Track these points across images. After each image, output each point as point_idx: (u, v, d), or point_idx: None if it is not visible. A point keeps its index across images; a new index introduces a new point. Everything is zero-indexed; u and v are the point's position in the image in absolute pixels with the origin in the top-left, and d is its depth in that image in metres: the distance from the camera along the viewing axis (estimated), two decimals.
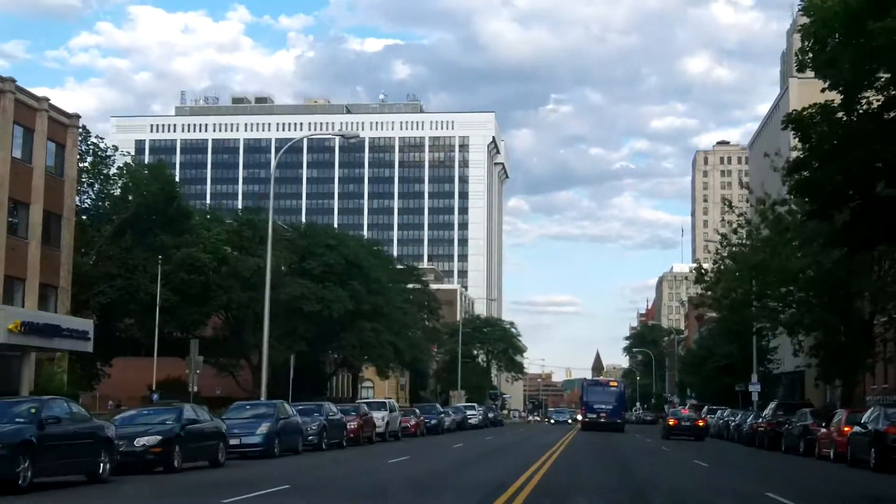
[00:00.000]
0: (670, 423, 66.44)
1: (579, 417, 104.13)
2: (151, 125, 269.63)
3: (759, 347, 79.71)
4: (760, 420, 54.13)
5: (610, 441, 57.80)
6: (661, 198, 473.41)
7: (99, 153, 71.90)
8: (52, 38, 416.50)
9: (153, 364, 73.49)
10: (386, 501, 21.99)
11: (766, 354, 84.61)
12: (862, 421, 35.50)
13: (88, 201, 73.84)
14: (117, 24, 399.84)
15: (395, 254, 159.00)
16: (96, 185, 73.07)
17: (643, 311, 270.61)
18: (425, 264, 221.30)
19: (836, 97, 31.13)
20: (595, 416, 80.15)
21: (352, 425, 48.54)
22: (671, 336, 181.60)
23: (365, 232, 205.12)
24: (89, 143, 70.93)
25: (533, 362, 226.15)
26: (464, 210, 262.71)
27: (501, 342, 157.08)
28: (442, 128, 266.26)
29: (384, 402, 61.16)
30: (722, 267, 55.47)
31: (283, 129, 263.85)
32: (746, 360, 79.68)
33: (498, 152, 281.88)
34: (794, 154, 48.53)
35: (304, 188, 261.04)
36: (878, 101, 30.19)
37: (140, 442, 27.56)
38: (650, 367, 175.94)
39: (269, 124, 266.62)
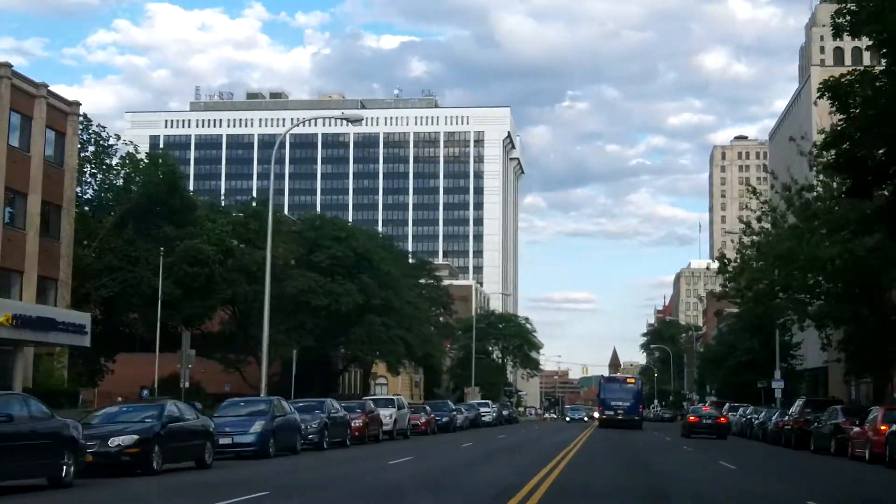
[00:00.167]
0: (691, 420, 63.85)
1: (596, 415, 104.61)
2: (166, 121, 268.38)
3: (782, 343, 77.47)
4: (787, 418, 51.42)
5: (627, 439, 55.50)
6: (677, 194, 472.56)
7: (101, 142, 69.63)
8: (69, 35, 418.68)
9: (160, 358, 71.86)
10: None
11: (788, 350, 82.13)
12: None
13: (91, 192, 71.64)
14: (135, 22, 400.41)
15: (409, 250, 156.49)
16: (99, 176, 70.89)
17: (660, 308, 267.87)
18: (440, 260, 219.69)
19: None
20: (612, 413, 79.40)
21: (356, 423, 46.23)
22: (689, 332, 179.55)
23: (380, 228, 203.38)
24: (91, 131, 68.66)
25: (549, 359, 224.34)
26: (479, 205, 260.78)
27: (516, 338, 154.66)
28: (457, 123, 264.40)
29: (392, 399, 58.78)
30: (745, 256, 52.76)
31: (298, 125, 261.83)
32: (769, 355, 77.39)
33: (513, 147, 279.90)
34: (821, 137, 46.49)
35: (319, 184, 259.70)
36: None
37: (115, 442, 25.28)
38: (668, 364, 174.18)
39: (284, 119, 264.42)
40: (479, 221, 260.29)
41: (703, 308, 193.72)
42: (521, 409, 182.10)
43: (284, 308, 74.98)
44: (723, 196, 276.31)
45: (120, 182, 70.87)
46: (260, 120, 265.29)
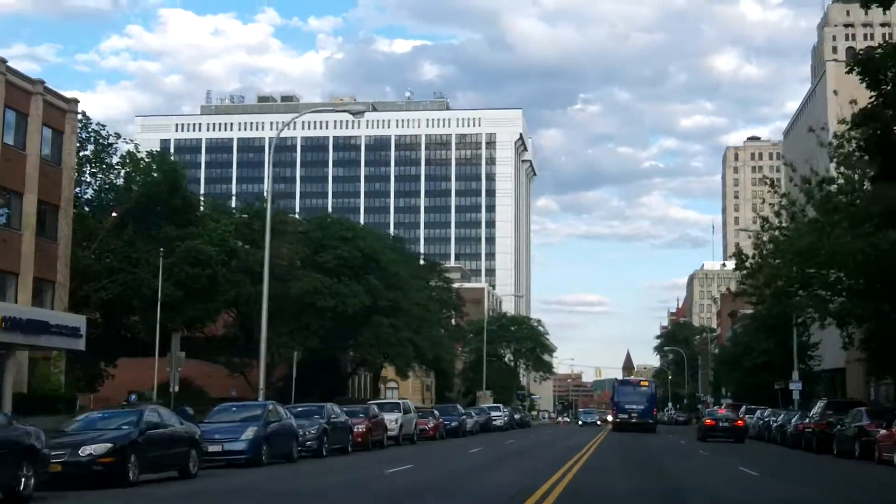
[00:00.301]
0: (707, 423, 61.86)
1: (609, 418, 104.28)
2: (177, 124, 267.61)
3: (800, 343, 75.62)
4: (807, 420, 49.41)
5: (642, 443, 53.67)
6: (690, 196, 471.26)
7: (101, 141, 67.95)
8: (82, 41, 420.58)
9: (162, 362, 69.96)
10: None
11: (806, 351, 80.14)
12: None
13: (91, 192, 69.98)
14: (147, 27, 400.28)
15: (421, 252, 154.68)
16: (99, 175, 69.25)
17: (674, 310, 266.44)
18: (452, 263, 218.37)
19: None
20: (626, 416, 78.92)
21: (359, 428, 44.36)
22: (703, 335, 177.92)
23: (391, 231, 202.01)
24: (90, 130, 66.99)
25: (562, 362, 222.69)
26: (491, 208, 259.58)
27: (529, 340, 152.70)
28: (469, 125, 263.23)
29: (398, 403, 56.90)
30: (764, 252, 50.70)
31: (309, 128, 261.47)
32: (786, 356, 75.55)
33: (525, 149, 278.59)
34: (843, 127, 44.62)
35: (330, 187, 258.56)
36: None
37: (86, 451, 23.35)
38: (682, 367, 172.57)
39: (295, 123, 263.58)
40: (491, 224, 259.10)
41: (717, 309, 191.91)
42: (535, 412, 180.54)
43: (289, 310, 73.33)
44: (736, 197, 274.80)
45: (120, 182, 69.24)
46: (271, 123, 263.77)
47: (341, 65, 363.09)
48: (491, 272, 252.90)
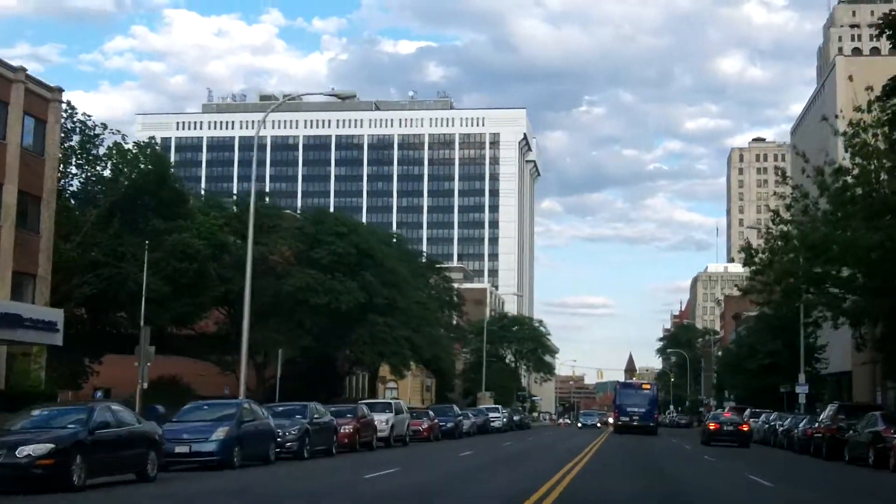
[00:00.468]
0: (711, 427, 59.53)
1: (610, 420, 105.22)
2: (178, 123, 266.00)
3: (806, 345, 73.45)
4: (817, 425, 47.07)
5: (644, 447, 51.43)
6: (694, 199, 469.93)
7: (87, 131, 65.69)
8: (86, 41, 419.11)
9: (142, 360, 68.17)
10: None
11: (813, 353, 77.94)
12: None
13: (77, 184, 67.77)
14: (152, 28, 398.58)
15: (424, 252, 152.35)
16: (86, 167, 67.04)
17: (677, 313, 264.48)
18: (455, 263, 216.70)
19: None
20: (628, 419, 78.79)
21: (346, 429, 42.11)
22: (706, 337, 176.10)
23: (394, 231, 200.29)
24: (75, 120, 64.71)
25: (564, 363, 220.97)
26: (494, 208, 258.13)
27: (530, 341, 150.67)
28: (472, 124, 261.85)
29: (389, 403, 54.68)
30: (775, 247, 48.31)
31: (311, 127, 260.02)
32: (793, 358, 73.36)
33: (529, 149, 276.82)
34: (857, 115, 42.51)
35: (333, 186, 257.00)
36: None
37: (24, 452, 21.09)
38: (684, 369, 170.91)
39: (297, 121, 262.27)
40: (494, 224, 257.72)
41: (720, 312, 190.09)
42: (536, 414, 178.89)
43: (283, 307, 71.28)
44: (741, 199, 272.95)
45: (107, 173, 67.04)
46: (273, 122, 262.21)
47: (345, 66, 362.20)
48: (494, 273, 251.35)
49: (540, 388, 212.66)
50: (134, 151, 66.64)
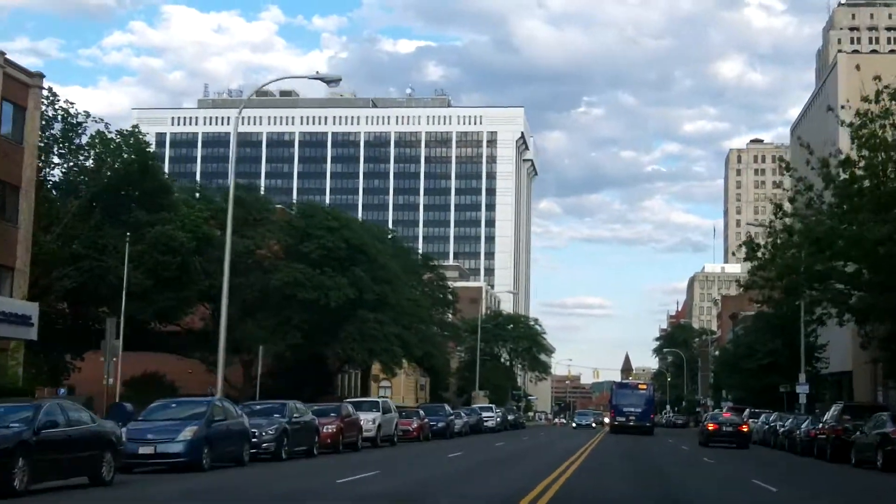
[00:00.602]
0: (710, 427, 57.52)
1: (606, 420, 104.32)
2: (173, 118, 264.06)
3: (806, 344, 71.70)
4: (821, 426, 45.09)
5: (640, 448, 49.57)
6: (692, 201, 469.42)
7: (69, 120, 63.59)
8: (85, 36, 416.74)
9: (131, 358, 65.54)
10: None
11: (813, 352, 76.10)
12: None
13: (59, 174, 65.74)
14: (151, 24, 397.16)
15: (420, 251, 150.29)
16: (69, 157, 65.00)
17: (673, 314, 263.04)
18: (451, 262, 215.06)
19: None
20: (624, 419, 78.88)
21: (328, 429, 40.17)
22: (703, 337, 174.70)
23: (389, 226, 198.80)
24: (57, 107, 62.57)
25: (560, 362, 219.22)
26: (491, 207, 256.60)
27: (525, 340, 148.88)
28: (470, 123, 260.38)
29: (376, 402, 52.62)
30: (777, 241, 46.35)
31: (308, 123, 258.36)
32: (793, 357, 71.64)
33: (527, 148, 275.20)
34: (865, 105, 40.73)
35: (329, 183, 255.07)
36: None
37: None
38: (681, 369, 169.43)
39: (293, 118, 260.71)
40: (490, 223, 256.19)
41: (717, 312, 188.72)
42: (531, 413, 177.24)
43: (269, 302, 69.45)
44: (738, 200, 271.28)
45: (90, 163, 65.00)
46: (269, 118, 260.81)
47: (345, 64, 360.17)
48: (490, 271, 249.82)
49: (536, 387, 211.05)
50: (117, 141, 64.62)
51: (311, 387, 72.70)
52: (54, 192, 63.84)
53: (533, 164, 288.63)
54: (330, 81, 40.56)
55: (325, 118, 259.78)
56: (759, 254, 47.38)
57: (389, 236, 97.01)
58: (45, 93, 58.27)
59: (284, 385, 71.74)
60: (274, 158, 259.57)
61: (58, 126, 62.36)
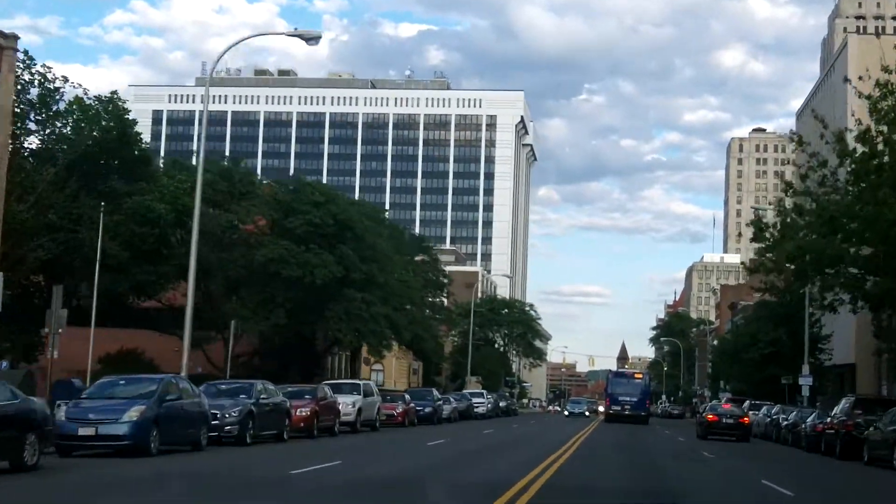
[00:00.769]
0: (709, 419, 54.55)
1: (601, 409, 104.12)
2: (170, 95, 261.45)
3: (811, 335, 69.14)
4: (829, 420, 42.23)
5: (635, 440, 46.79)
6: (691, 191, 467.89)
7: (46, 84, 60.68)
8: (86, 14, 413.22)
9: (108, 333, 62.92)
10: None
11: (816, 343, 73.45)
12: None
13: (37, 142, 62.86)
14: (152, 3, 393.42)
15: (417, 233, 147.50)
16: (48, 124, 62.14)
17: (671, 303, 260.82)
18: (448, 246, 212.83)
19: None
20: (619, 408, 78.37)
21: (302, 412, 37.39)
22: (701, 326, 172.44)
23: (387, 211, 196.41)
24: (34, 72, 59.66)
25: (555, 349, 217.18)
26: (489, 191, 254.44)
27: (519, 325, 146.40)
28: (469, 106, 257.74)
29: (357, 385, 49.85)
30: (788, 220, 43.37)
31: (305, 103, 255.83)
32: (796, 348, 69.20)
33: (526, 133, 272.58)
34: (884, 75, 38.06)
35: (325, 165, 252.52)
36: None
37: None
38: (678, 359, 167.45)
39: (291, 97, 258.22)
40: (489, 207, 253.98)
41: (715, 301, 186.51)
42: (526, 400, 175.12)
43: (253, 279, 66.69)
44: (739, 189, 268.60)
45: (67, 131, 62.15)
46: (267, 97, 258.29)
47: (346, 47, 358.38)
48: (487, 257, 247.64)
49: (532, 375, 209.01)
50: (95, 107, 61.77)
51: (299, 369, 70.12)
52: (31, 160, 61.09)
53: (532, 150, 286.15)
54: (309, 39, 37.83)
55: (324, 98, 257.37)
56: (767, 234, 44.42)
57: (382, 214, 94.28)
58: (20, 56, 55.55)
59: (271, 366, 69.32)
60: (271, 138, 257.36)
61: (34, 91, 59.67)
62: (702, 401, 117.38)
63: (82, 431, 24.33)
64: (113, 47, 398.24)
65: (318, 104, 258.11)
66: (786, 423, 52.89)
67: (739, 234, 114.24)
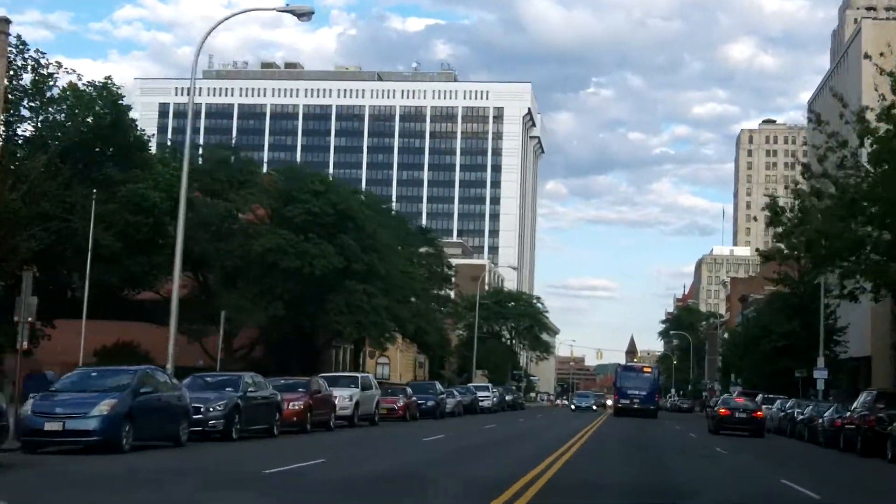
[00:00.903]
0: (721, 413, 52.61)
1: (609, 402, 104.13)
2: (176, 88, 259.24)
3: (826, 327, 67.28)
4: (849, 415, 40.26)
5: (645, 436, 44.91)
6: (700, 184, 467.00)
7: (40, 70, 58.92)
8: (95, 9, 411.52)
9: (103, 326, 62.71)
10: None
11: (832, 335, 71.52)
12: None
13: (30, 129, 61.14)
14: None
15: (421, 223, 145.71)
16: (41, 111, 60.39)
17: (680, 297, 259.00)
18: (455, 238, 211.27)
19: None
20: (628, 401, 78.16)
21: (294, 406, 35.53)
22: (711, 320, 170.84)
23: (393, 204, 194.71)
24: (27, 57, 57.91)
25: (563, 343, 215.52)
26: (496, 184, 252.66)
27: (526, 318, 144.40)
28: (476, 98, 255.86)
29: (355, 378, 47.89)
30: (806, 204, 41.28)
31: (312, 96, 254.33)
32: (811, 340, 67.33)
33: (534, 125, 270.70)
34: None
35: (332, 157, 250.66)
36: None
37: None
38: (687, 353, 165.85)
39: (298, 90, 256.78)
40: (496, 200, 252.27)
41: (725, 294, 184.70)
42: (533, 394, 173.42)
43: (251, 270, 64.96)
44: (748, 181, 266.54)
45: (62, 117, 60.42)
46: (273, 90, 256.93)
47: (354, 41, 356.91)
48: (494, 249, 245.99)
49: (541, 368, 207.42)
50: (90, 93, 60.02)
51: (300, 362, 68.39)
52: (25, 147, 59.43)
53: (540, 142, 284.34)
54: (301, 15, 36.19)
55: (330, 91, 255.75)
56: (784, 218, 42.37)
57: (386, 206, 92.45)
58: (13, 41, 53.98)
59: (271, 360, 67.62)
60: (277, 131, 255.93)
61: (27, 77, 57.96)
62: (711, 395, 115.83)
63: (49, 426, 22.62)
64: (122, 42, 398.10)
65: (324, 97, 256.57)
66: (801, 417, 51.00)
67: (755, 219, 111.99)
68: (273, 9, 37.51)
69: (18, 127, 59.17)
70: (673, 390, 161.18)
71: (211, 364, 63.20)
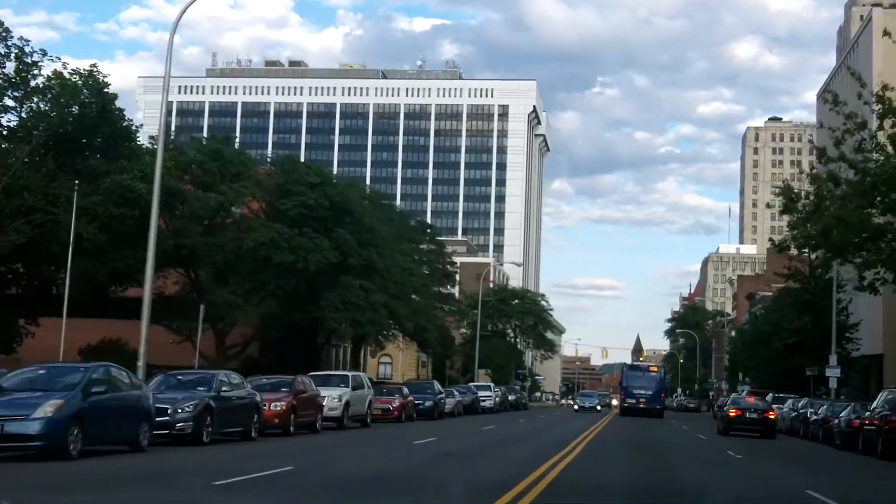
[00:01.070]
0: (731, 413, 50.22)
1: (615, 402, 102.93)
2: (180, 86, 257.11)
3: (838, 324, 65.04)
4: (868, 415, 37.90)
5: (651, 439, 42.65)
6: (705, 183, 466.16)
7: (24, 58, 56.67)
8: (102, 10, 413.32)
9: (89, 324, 61.18)
10: None
11: (844, 332, 69.21)
12: None
13: (15, 119, 58.95)
14: None
15: (422, 219, 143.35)
16: (25, 101, 58.20)
17: (686, 296, 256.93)
18: (460, 237, 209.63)
19: None
20: (634, 401, 78.09)
21: (275, 407, 33.16)
22: (717, 318, 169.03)
23: (398, 202, 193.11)
24: (10, 44, 55.70)
25: (568, 342, 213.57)
26: (501, 182, 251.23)
27: (530, 316, 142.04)
28: (481, 95, 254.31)
29: (346, 377, 45.55)
30: (822, 190, 38.83)
31: (316, 94, 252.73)
32: (822, 337, 65.17)
33: (539, 123, 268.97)
34: None
35: (336, 155, 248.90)
36: None
37: None
38: (693, 352, 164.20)
39: (302, 88, 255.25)
40: (501, 198, 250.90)
41: (732, 292, 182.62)
42: (538, 394, 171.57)
43: (243, 265, 62.73)
44: (754, 179, 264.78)
45: (46, 107, 58.18)
46: (277, 88, 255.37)
47: (360, 41, 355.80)
48: (499, 248, 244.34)
49: (546, 368, 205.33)
50: (75, 81, 57.74)
51: (297, 361, 66.23)
52: (8, 138, 57.30)
53: (545, 140, 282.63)
54: None
55: (334, 89, 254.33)
56: (800, 205, 39.97)
57: (387, 202, 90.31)
58: None
59: (270, 358, 65.54)
60: (281, 129, 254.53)
61: (10, 66, 55.75)
62: (719, 394, 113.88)
63: None
64: (128, 43, 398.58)
65: (328, 95, 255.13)
66: (815, 417, 48.69)
67: (767, 205, 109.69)
68: None
69: (2, 117, 57.15)
70: (679, 389, 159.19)
71: (202, 364, 61.23)
